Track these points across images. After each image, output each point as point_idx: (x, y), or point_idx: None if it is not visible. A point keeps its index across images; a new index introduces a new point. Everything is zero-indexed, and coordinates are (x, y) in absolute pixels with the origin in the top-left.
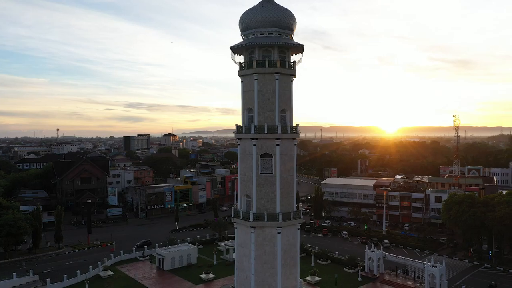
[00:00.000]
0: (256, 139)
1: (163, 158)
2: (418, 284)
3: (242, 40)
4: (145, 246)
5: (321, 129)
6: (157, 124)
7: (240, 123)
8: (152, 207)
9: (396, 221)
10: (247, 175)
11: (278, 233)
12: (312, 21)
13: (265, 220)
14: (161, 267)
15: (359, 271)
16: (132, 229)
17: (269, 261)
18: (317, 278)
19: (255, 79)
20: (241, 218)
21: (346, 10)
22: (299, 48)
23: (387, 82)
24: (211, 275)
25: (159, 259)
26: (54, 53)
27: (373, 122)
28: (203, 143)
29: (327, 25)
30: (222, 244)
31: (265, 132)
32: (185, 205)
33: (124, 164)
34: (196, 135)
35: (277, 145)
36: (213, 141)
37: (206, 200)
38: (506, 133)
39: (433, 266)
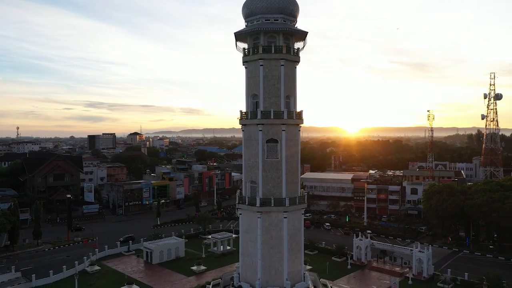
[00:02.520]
0: (263, 124)
1: (133, 156)
2: (406, 269)
3: (244, 26)
4: (130, 241)
5: None
6: (119, 124)
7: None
8: (130, 204)
9: (373, 213)
10: (252, 161)
11: (285, 217)
12: None
13: (272, 205)
14: (149, 260)
15: (349, 259)
16: (111, 225)
17: (275, 246)
18: (308, 267)
19: (261, 65)
20: (246, 203)
21: (308, 12)
22: (302, 36)
23: (348, 83)
24: (203, 267)
25: (147, 252)
26: (8, 50)
27: (335, 123)
28: (170, 142)
29: None
30: (210, 237)
31: (272, 117)
32: (163, 201)
33: (92, 163)
34: (160, 135)
35: (283, 130)
36: (180, 141)
37: (184, 196)
38: (461, 133)
39: (420, 251)
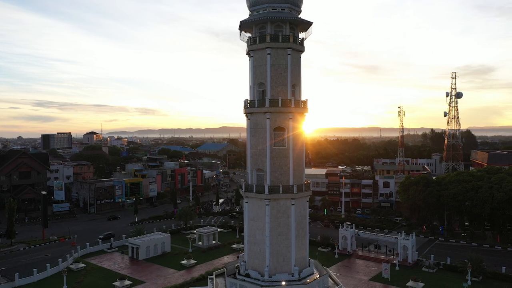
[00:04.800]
0: (270, 112)
1: (96, 155)
2: (391, 257)
3: (248, 16)
4: (112, 238)
5: None
6: (71, 124)
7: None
8: (102, 202)
9: (347, 207)
10: (259, 149)
11: (292, 204)
12: (232, 22)
13: (281, 192)
14: (135, 257)
15: (336, 248)
16: (84, 224)
17: (283, 233)
18: None
19: (268, 54)
20: (254, 191)
21: None
22: (306, 26)
23: (303, 84)
24: (193, 261)
25: (133, 248)
26: None
27: None
28: (129, 142)
29: None
30: (195, 231)
31: (280, 105)
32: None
33: (57, 161)
34: (115, 136)
35: (290, 118)
36: (138, 140)
37: (157, 193)
38: (411, 133)
39: (404, 239)
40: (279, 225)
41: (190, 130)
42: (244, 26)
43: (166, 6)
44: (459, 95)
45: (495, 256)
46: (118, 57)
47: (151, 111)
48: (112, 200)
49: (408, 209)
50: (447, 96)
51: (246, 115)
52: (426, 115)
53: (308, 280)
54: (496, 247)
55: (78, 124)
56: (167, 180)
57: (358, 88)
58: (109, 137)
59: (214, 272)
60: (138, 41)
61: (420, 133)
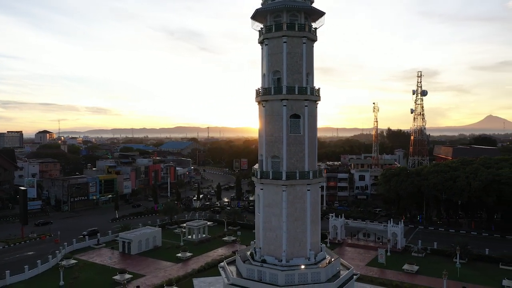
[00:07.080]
0: (287, 99)
1: (55, 154)
2: (380, 244)
3: (261, 5)
4: (98, 234)
5: (207, 127)
6: (16, 123)
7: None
8: (75, 199)
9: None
10: (275, 136)
11: (308, 190)
12: (187, 21)
13: (297, 178)
14: (126, 251)
15: (328, 238)
16: (60, 222)
17: (300, 218)
18: None
19: (284, 42)
20: (271, 178)
21: (220, 13)
22: (318, 16)
23: (257, 84)
24: (188, 254)
25: (124, 243)
26: None
27: (246, 123)
28: (84, 141)
29: (202, 27)
30: (185, 225)
31: (296, 93)
32: (110, 196)
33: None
34: (68, 136)
35: (305, 106)
36: (93, 140)
37: (131, 190)
38: (365, 132)
39: (393, 226)
40: (295, 210)
41: (144, 130)
42: (258, 14)
43: (119, 3)
44: (424, 93)
45: (473, 240)
46: (68, 54)
47: (103, 111)
48: (86, 197)
49: (383, 201)
50: (413, 94)
51: (260, 103)
52: (378, 115)
53: (321, 265)
54: (472, 232)
55: (23, 123)
56: (141, 176)
57: None
58: (62, 136)
59: (225, 261)
60: (90, 38)
61: (374, 132)
